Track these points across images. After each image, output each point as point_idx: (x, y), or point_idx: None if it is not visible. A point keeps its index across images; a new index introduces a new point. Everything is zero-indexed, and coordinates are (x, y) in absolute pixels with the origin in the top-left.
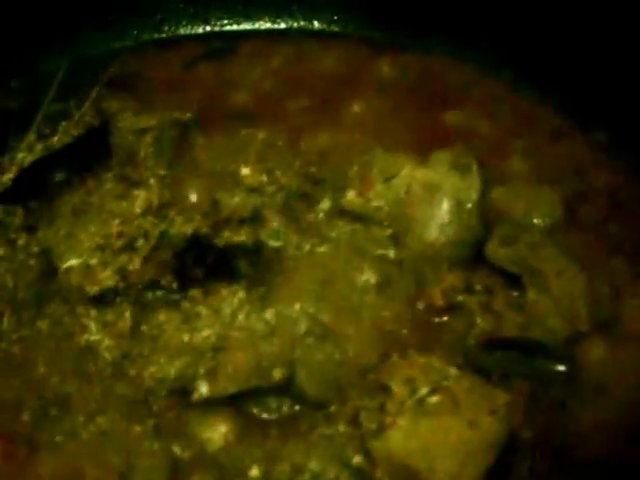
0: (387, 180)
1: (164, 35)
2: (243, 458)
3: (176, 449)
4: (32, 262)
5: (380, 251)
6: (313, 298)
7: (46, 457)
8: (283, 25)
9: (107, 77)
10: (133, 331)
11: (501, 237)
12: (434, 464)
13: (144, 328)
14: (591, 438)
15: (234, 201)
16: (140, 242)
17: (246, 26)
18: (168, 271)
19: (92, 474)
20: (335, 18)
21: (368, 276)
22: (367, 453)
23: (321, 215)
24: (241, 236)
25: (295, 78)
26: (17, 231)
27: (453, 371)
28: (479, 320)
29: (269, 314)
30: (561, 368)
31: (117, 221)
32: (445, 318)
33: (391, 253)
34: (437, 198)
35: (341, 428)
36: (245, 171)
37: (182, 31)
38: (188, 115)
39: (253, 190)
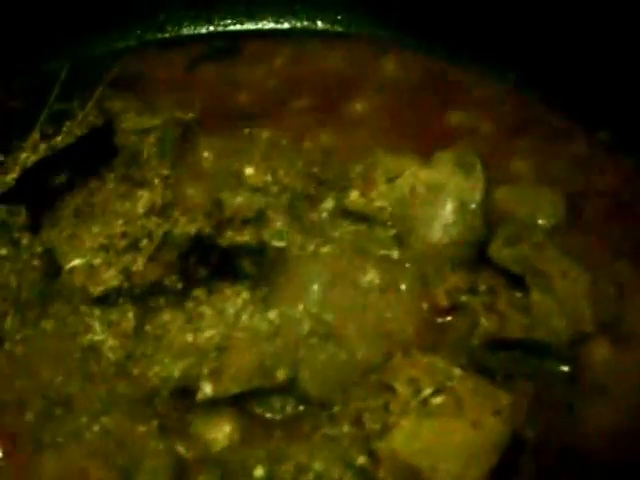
0: (390, 180)
1: (167, 35)
2: (247, 458)
3: (180, 449)
4: (36, 262)
5: (384, 251)
6: (316, 298)
7: (50, 457)
8: (286, 25)
9: (110, 77)
10: (137, 331)
11: (505, 237)
12: (438, 464)
13: (148, 328)
14: (595, 438)
15: (237, 201)
16: (144, 242)
17: (249, 26)
18: (172, 271)
19: (96, 474)
20: (338, 18)
21: (372, 276)
22: (371, 453)
23: (324, 215)
24: (244, 236)
25: (298, 78)
26: (21, 231)
27: (457, 371)
28: (483, 320)
29: (273, 314)
30: (565, 368)
31: (120, 221)
32: (449, 318)
33: (395, 253)
34: (441, 198)
35: (345, 428)
36: (248, 171)
37: (185, 31)
38: (191, 115)
39: (256, 190)
